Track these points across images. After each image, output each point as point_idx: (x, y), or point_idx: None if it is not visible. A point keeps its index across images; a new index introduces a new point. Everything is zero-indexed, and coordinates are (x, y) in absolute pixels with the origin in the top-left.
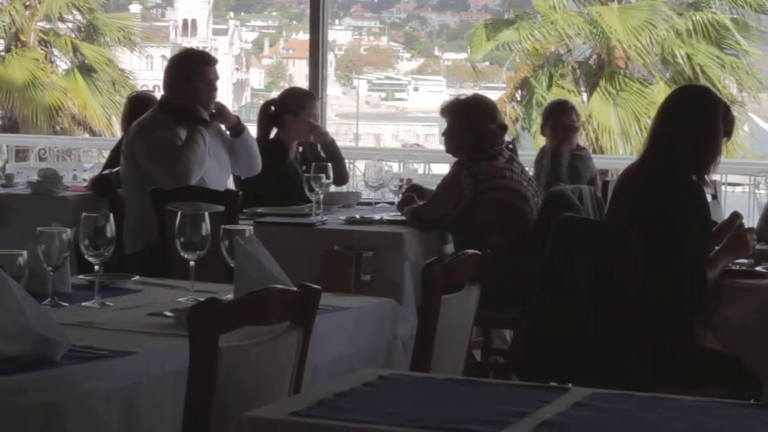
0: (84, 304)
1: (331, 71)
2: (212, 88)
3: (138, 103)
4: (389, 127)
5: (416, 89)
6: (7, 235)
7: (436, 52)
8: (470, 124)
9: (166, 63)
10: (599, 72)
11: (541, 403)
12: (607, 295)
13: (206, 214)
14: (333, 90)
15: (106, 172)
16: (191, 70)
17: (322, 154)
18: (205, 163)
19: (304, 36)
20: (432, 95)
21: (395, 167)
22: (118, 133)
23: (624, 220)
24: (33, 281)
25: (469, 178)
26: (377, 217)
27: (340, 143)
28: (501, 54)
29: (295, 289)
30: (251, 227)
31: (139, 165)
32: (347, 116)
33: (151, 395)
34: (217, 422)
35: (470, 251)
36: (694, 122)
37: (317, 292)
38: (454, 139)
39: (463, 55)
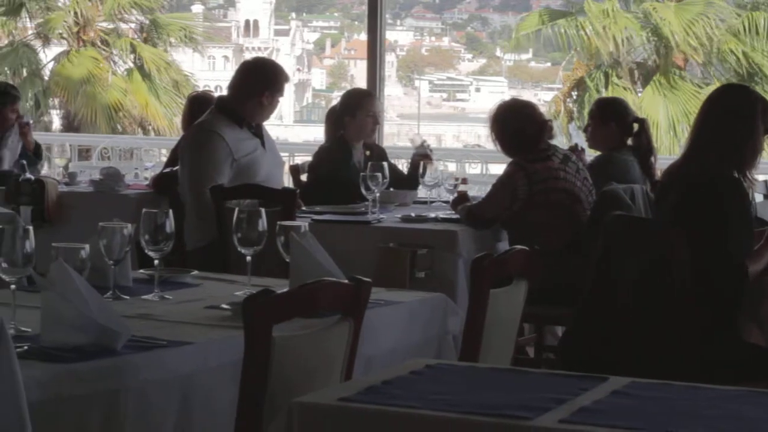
0: (144, 297)
1: (392, 72)
2: (277, 103)
3: (198, 102)
4: (450, 127)
5: (478, 90)
6: (69, 232)
7: (498, 53)
8: (508, 131)
9: (239, 65)
10: (656, 71)
11: (580, 391)
12: (654, 291)
13: (263, 210)
14: (394, 90)
15: (167, 170)
16: (279, 83)
17: (391, 159)
18: None
19: (366, 36)
20: (493, 96)
21: (452, 167)
22: (181, 133)
23: (668, 218)
24: (95, 275)
25: (524, 179)
26: (432, 215)
27: (400, 143)
28: (559, 55)
29: (346, 281)
30: (307, 223)
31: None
32: (409, 117)
33: (208, 384)
34: (270, 410)
35: (519, 247)
36: (733, 120)
37: (368, 284)
38: (499, 146)
39: (524, 56)
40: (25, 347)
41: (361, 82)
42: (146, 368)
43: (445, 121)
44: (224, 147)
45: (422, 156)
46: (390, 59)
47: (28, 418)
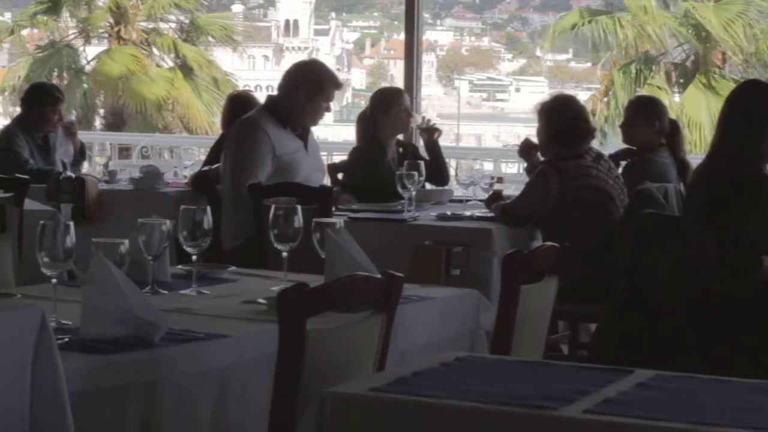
0: (182, 292)
1: (432, 72)
2: (328, 109)
3: (238, 101)
4: (490, 127)
5: (518, 90)
6: (109, 229)
7: (538, 53)
8: (556, 124)
9: (289, 66)
10: (695, 72)
11: (606, 383)
12: (682, 288)
13: (299, 207)
14: (434, 90)
15: (206, 168)
16: (321, 84)
17: (425, 156)
18: None
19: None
20: (533, 96)
21: (489, 166)
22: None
23: (695, 216)
24: (134, 270)
25: (556, 176)
26: (468, 213)
27: (440, 143)
28: (599, 55)
29: (378, 276)
30: (342, 220)
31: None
32: (448, 116)
33: (244, 376)
34: (304, 401)
35: (549, 243)
36: (747, 118)
37: (400, 279)
38: (541, 138)
39: (564, 56)
40: (66, 339)
41: (401, 82)
42: (183, 360)
43: (484, 121)
44: (267, 142)
45: (428, 130)
46: (430, 59)
47: (68, 407)
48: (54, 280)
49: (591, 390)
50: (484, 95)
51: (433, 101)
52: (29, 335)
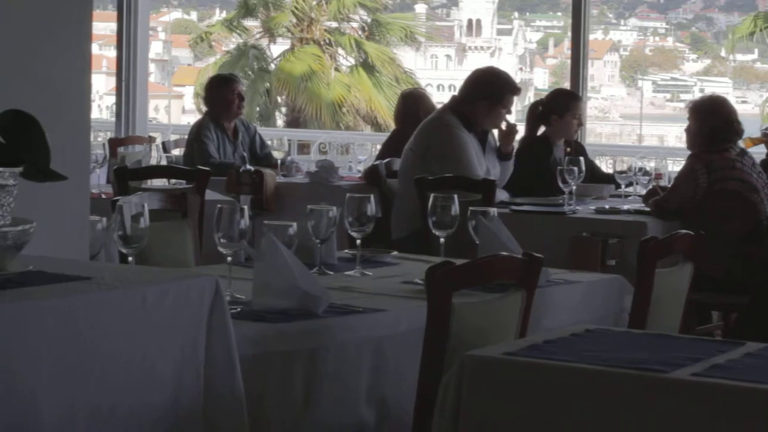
0: (346, 273)
1: (616, 72)
2: (509, 113)
3: (412, 99)
4: (673, 128)
5: (702, 91)
6: (284, 219)
7: (723, 54)
8: (704, 123)
9: (471, 72)
10: None
11: (717, 353)
12: None
13: (455, 197)
14: (618, 91)
15: (377, 162)
16: (499, 95)
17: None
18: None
19: (591, 36)
20: None
21: (652, 164)
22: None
23: None
24: (303, 253)
25: (704, 169)
26: (625, 207)
27: (622, 143)
28: None
29: (519, 256)
30: (496, 210)
31: (427, 159)
32: (631, 117)
33: (397, 346)
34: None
35: (683, 231)
36: None
37: (539, 259)
38: (689, 134)
39: (750, 57)
40: (238, 309)
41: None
42: (343, 330)
43: (668, 122)
44: (465, 139)
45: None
46: (613, 59)
47: (239, 368)
48: (229, 259)
49: (702, 357)
50: (668, 96)
51: (617, 101)
52: (205, 301)
